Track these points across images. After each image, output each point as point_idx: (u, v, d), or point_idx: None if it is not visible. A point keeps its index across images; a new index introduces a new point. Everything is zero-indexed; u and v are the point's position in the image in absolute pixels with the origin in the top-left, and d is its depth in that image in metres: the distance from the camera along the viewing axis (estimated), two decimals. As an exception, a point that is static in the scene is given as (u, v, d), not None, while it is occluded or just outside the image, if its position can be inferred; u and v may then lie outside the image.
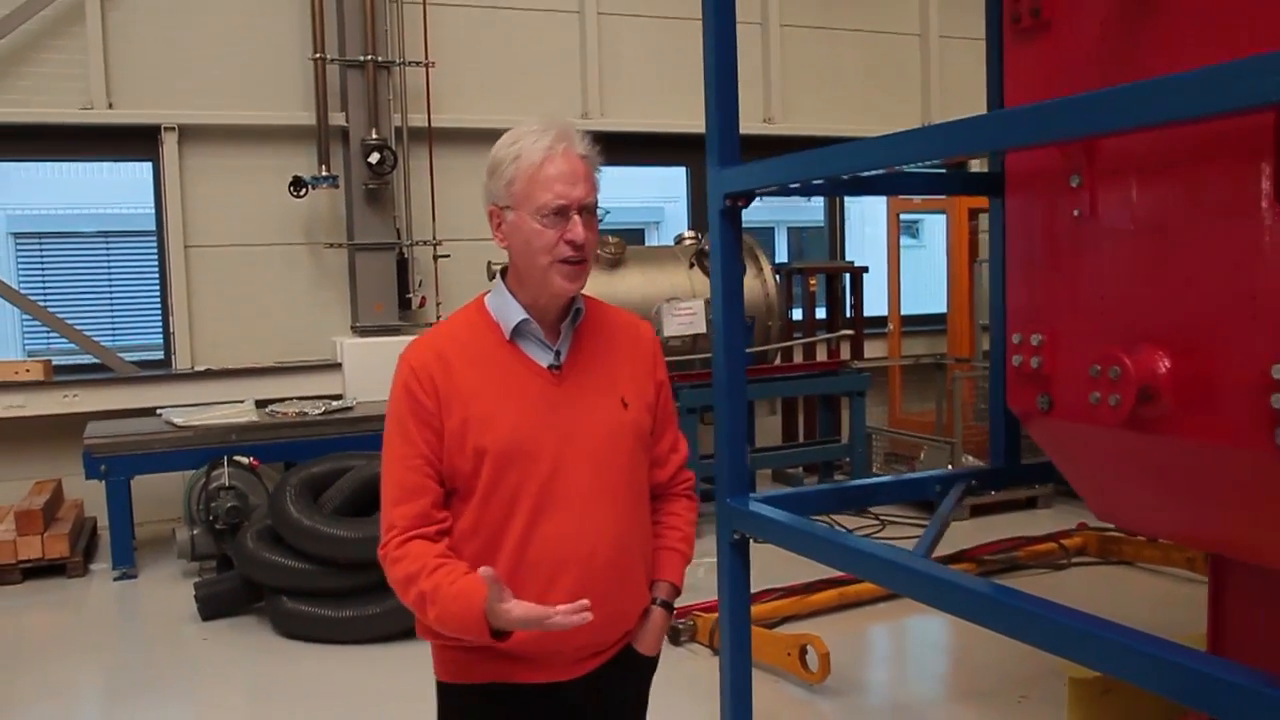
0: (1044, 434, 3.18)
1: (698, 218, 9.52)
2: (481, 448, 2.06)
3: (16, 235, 12.18)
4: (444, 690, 2.24)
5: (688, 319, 7.31)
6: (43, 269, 12.13)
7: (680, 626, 4.98)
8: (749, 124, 9.23)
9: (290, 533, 5.26)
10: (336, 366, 7.76)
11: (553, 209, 2.03)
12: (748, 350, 7.47)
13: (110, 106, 7.55)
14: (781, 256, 16.44)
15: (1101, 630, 2.16)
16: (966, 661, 4.87)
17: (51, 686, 4.78)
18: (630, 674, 2.30)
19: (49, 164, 10.77)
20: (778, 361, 8.07)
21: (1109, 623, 2.20)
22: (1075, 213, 2.90)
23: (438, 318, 8.14)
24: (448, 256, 8.22)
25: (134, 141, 7.75)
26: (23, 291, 8.50)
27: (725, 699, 3.50)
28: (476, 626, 1.94)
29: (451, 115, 8.23)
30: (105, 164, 9.10)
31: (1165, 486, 2.84)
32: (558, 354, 2.16)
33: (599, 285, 7.25)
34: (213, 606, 5.59)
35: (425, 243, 8.20)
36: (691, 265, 7.60)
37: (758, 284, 7.69)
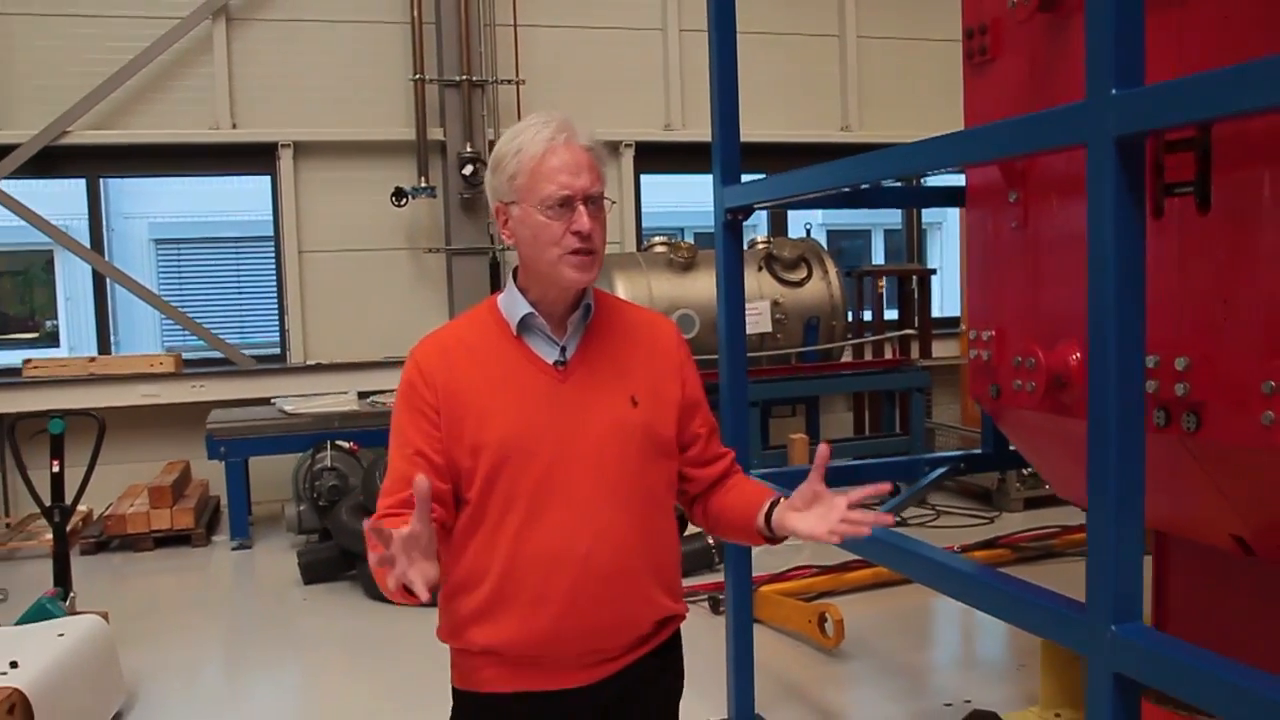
0: (999, 420, 3.62)
1: (776, 223, 9.98)
2: (479, 443, 2.02)
3: (157, 241, 13.29)
4: (458, 697, 2.22)
5: (753, 318, 7.78)
6: (180, 272, 13.24)
7: (720, 597, 5.48)
8: (827, 132, 9.73)
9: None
10: (433, 362, 8.44)
11: (557, 200, 1.99)
12: (813, 349, 7.95)
13: (234, 127, 8.40)
14: (878, 258, 16.72)
15: (989, 578, 2.63)
16: (976, 634, 5.26)
17: (180, 637, 5.52)
18: (650, 689, 2.23)
19: (183, 178, 11.72)
20: (845, 359, 8.50)
21: (1005, 577, 2.66)
22: (1013, 224, 3.33)
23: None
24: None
25: (254, 158, 8.59)
26: (161, 292, 9.45)
27: (730, 652, 4.00)
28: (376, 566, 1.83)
29: (540, 129, 8.84)
30: (231, 177, 9.93)
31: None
32: (564, 350, 2.10)
33: (672, 287, 7.80)
34: (313, 572, 6.30)
35: (514, 248, 8.81)
36: (760, 268, 8.07)
37: (822, 286, 8.13)
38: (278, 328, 8.88)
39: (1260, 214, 2.45)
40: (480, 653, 2.11)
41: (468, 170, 8.35)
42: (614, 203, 2.18)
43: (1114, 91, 2.02)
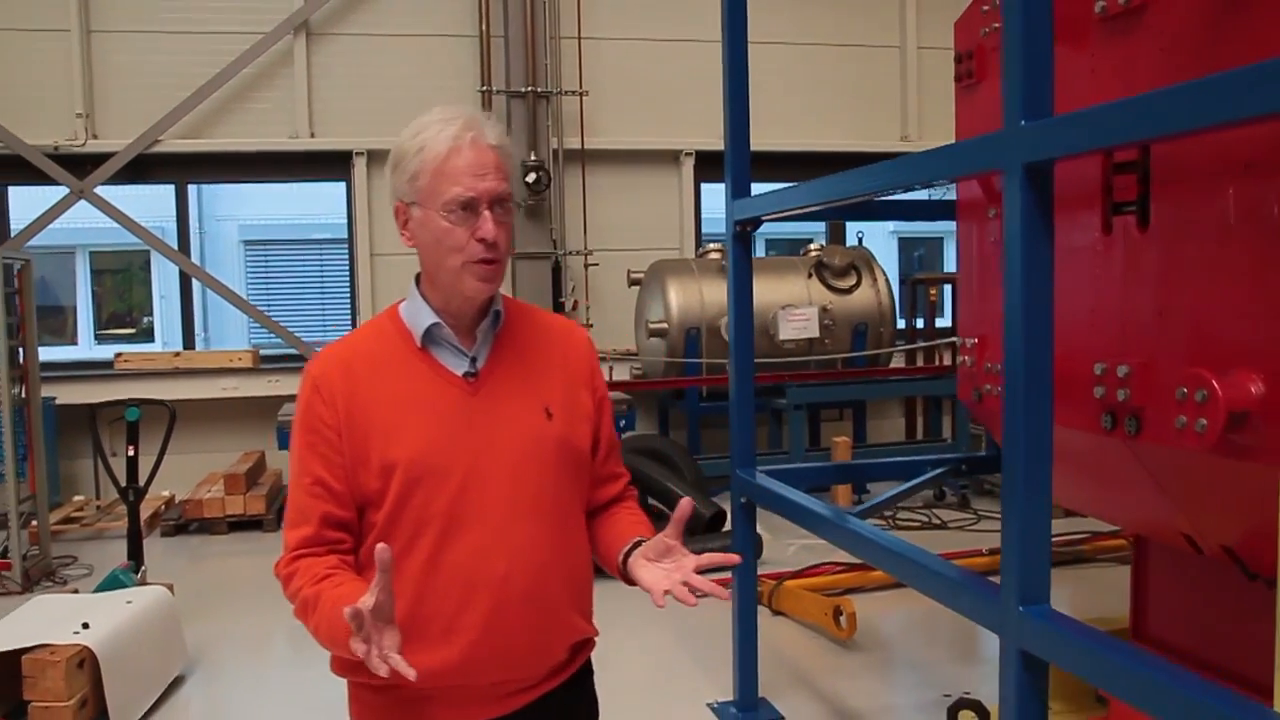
0: (985, 423, 3.82)
1: (834, 232, 10.17)
2: (388, 463, 1.89)
3: (246, 243, 13.95)
4: None
5: (801, 324, 8.01)
6: (266, 270, 13.88)
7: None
8: (888, 143, 9.89)
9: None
10: (496, 361, 8.82)
11: (460, 203, 1.87)
12: (859, 354, 8.14)
13: (312, 135, 8.88)
14: (950, 265, 16.74)
15: (924, 561, 2.86)
16: (986, 633, 5.40)
17: (244, 612, 5.93)
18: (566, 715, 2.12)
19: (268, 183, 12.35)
20: (897, 365, 8.68)
21: (941, 562, 2.88)
22: (992, 238, 3.54)
23: (589, 322, 9.14)
24: (597, 265, 9.17)
25: (330, 165, 9.06)
26: (248, 290, 9.99)
27: (735, 636, 4.26)
28: (345, 642, 1.71)
29: (603, 138, 9.18)
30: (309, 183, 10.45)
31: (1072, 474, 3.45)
32: (473, 361, 1.98)
33: (722, 293, 8.05)
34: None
35: (577, 252, 9.17)
36: (810, 275, 8.28)
37: (871, 293, 8.31)
38: (350, 325, 9.34)
39: (1188, 230, 2.65)
40: (383, 688, 1.94)
41: (530, 179, 8.71)
42: (520, 206, 2.01)
43: (1023, 123, 2.25)
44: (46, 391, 7.64)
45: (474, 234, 1.88)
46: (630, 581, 2.00)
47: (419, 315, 1.99)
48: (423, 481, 1.90)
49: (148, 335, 14.22)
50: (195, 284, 9.36)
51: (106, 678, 4.08)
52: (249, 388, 8.62)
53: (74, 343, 13.52)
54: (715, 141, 9.45)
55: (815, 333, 8.02)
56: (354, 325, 9.23)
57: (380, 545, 1.69)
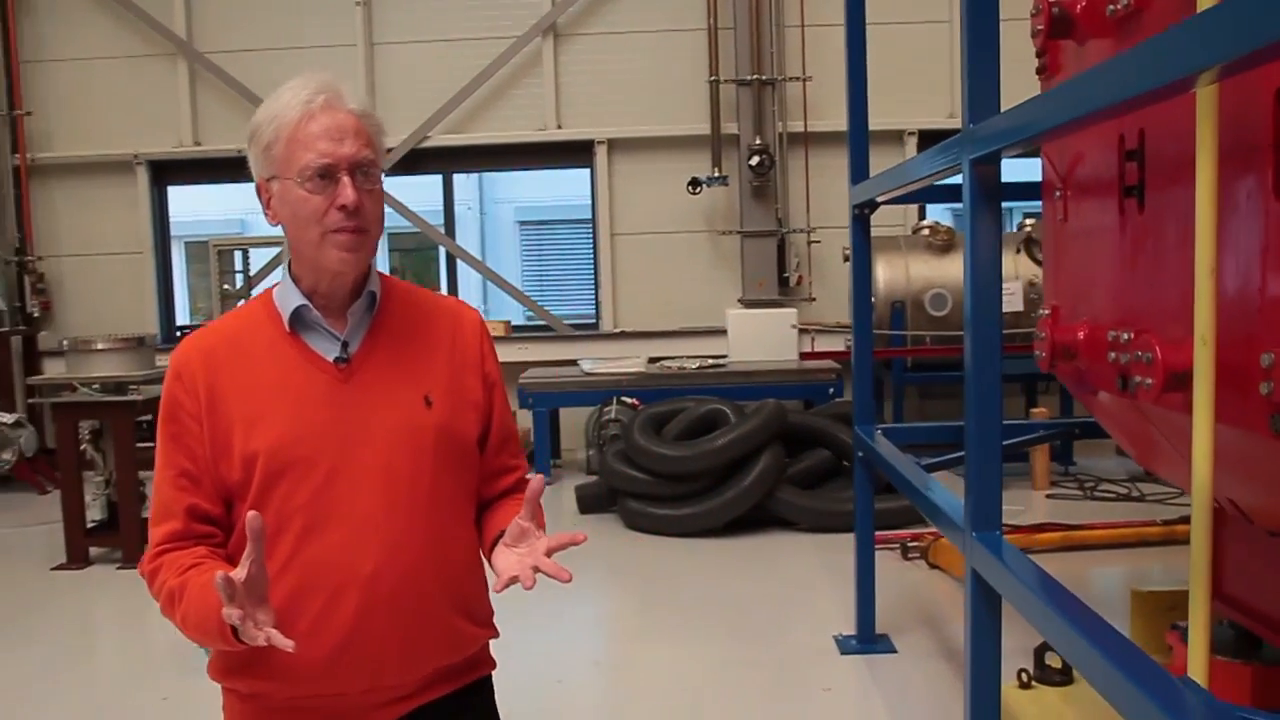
0: (1070, 387, 4.12)
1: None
2: (250, 453, 1.81)
3: (520, 223, 15.31)
4: None
5: (1006, 297, 8.18)
6: (540, 249, 15.16)
7: (911, 544, 6.13)
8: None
9: (634, 453, 7.06)
10: (722, 332, 9.47)
11: (316, 170, 1.77)
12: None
13: (559, 127, 9.84)
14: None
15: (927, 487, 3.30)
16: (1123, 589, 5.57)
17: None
18: None
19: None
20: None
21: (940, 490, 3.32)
22: (1059, 217, 3.85)
23: (811, 296, 9.65)
24: (819, 242, 9.65)
25: (575, 153, 10.01)
26: (522, 267, 11.13)
27: (856, 576, 4.75)
28: (218, 621, 1.66)
29: (826, 121, 9.60)
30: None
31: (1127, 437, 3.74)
32: (345, 345, 1.89)
33: (929, 269, 8.37)
34: (586, 504, 7.54)
35: (800, 230, 9.68)
36: (1018, 251, 8.42)
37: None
38: (593, 300, 10.27)
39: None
40: (250, 696, 1.90)
41: (753, 161, 9.29)
42: (386, 173, 1.92)
43: (970, 125, 2.69)
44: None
45: (334, 202, 1.79)
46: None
47: (288, 297, 1.90)
48: (286, 473, 1.82)
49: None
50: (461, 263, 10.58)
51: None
52: (501, 354, 9.61)
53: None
54: (939, 120, 9.73)
55: (1020, 306, 8.18)
56: (596, 297, 10.14)
57: (252, 513, 1.65)
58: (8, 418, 7.87)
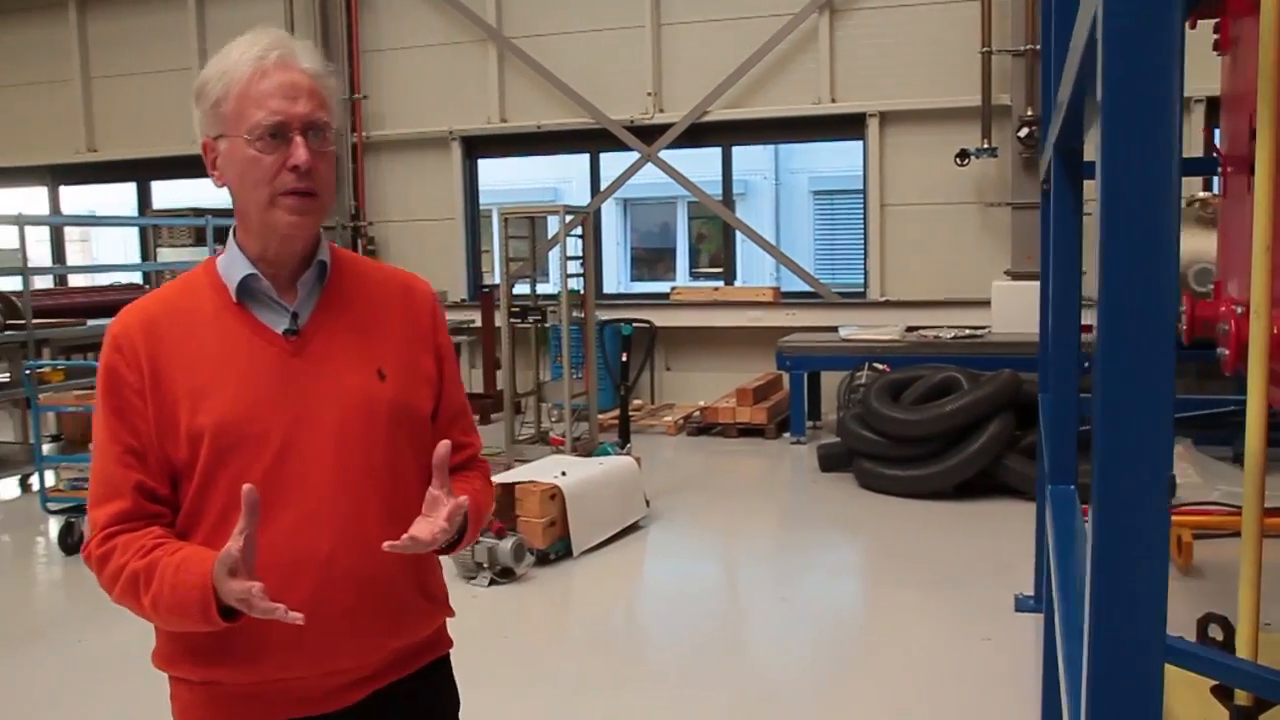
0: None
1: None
2: (196, 430, 1.73)
3: (814, 193, 15.66)
4: None
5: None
6: (833, 219, 15.47)
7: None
8: None
9: (869, 416, 7.40)
10: (986, 303, 9.52)
11: (267, 129, 1.70)
12: None
13: (832, 100, 10.17)
14: None
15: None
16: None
17: (710, 491, 7.55)
18: (414, 716, 1.96)
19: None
20: None
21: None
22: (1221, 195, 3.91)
23: (1083, 270, 9.49)
24: (1089, 214, 9.44)
25: (847, 126, 10.30)
26: (815, 237, 11.58)
27: (1037, 540, 4.95)
28: (200, 599, 1.63)
29: (1106, 89, 9.38)
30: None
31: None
32: (295, 317, 1.81)
33: (1196, 242, 8.07)
34: (826, 463, 7.94)
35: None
36: None
37: None
38: (862, 269, 10.55)
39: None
40: (201, 684, 1.82)
41: (1022, 133, 9.25)
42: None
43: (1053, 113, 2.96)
44: (632, 316, 9.85)
45: (285, 162, 1.72)
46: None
47: (234, 267, 1.81)
48: (235, 450, 1.74)
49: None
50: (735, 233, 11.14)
51: (570, 508, 5.83)
52: (771, 319, 10.20)
53: (672, 278, 16.16)
54: (1213, 89, 9.24)
55: None
56: (865, 266, 10.42)
57: (247, 486, 1.60)
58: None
